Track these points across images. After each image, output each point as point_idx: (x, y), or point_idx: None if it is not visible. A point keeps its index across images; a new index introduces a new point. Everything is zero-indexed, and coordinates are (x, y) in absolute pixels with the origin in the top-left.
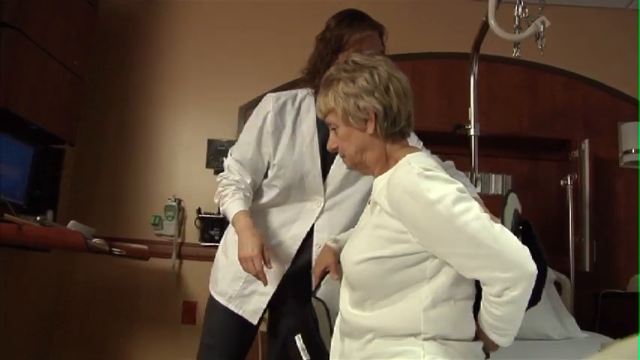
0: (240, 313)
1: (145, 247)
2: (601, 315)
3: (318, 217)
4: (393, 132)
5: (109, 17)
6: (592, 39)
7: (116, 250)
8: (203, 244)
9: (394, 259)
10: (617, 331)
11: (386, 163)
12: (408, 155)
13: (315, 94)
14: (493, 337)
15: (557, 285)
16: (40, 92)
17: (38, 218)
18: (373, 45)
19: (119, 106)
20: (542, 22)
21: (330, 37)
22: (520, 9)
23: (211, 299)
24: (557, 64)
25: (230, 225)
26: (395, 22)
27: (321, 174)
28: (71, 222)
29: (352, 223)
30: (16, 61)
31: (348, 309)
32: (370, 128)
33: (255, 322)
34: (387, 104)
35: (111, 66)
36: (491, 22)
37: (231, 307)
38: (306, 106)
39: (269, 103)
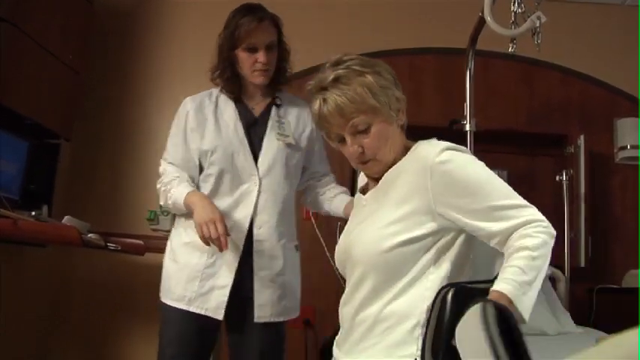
0: (203, 312)
1: (140, 242)
2: (596, 310)
3: (257, 198)
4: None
5: (105, 13)
6: (589, 35)
7: (111, 245)
8: None
9: (420, 241)
10: (612, 326)
11: (401, 155)
12: (420, 141)
13: (223, 89)
14: (516, 293)
15: (552, 280)
16: (36, 87)
17: (33, 213)
18: (265, 35)
19: (115, 101)
20: (539, 18)
21: (227, 34)
22: (516, 4)
23: (166, 309)
24: (553, 60)
25: (173, 232)
26: (392, 18)
27: (250, 153)
28: (66, 217)
29: (286, 205)
30: (12, 56)
31: (356, 306)
32: (402, 119)
33: (220, 317)
34: (404, 96)
35: (107, 61)
36: (488, 17)
37: (193, 308)
38: (223, 100)
39: (187, 105)
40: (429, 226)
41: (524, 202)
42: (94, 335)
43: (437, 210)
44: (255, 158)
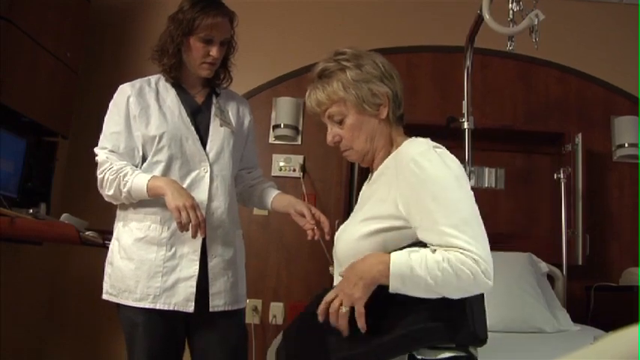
0: (171, 308)
1: None
2: (593, 308)
3: (210, 184)
4: (398, 116)
5: (103, 10)
6: (586, 33)
7: (109, 243)
8: None
9: (386, 233)
10: (610, 324)
11: (390, 148)
12: (411, 138)
13: (165, 72)
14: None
15: (550, 278)
16: (33, 85)
17: (31, 211)
18: (223, 31)
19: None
20: (537, 16)
21: (183, 19)
22: (514, 2)
23: (128, 313)
24: (551, 58)
25: (120, 228)
26: (389, 15)
27: (198, 139)
28: (64, 215)
29: (232, 191)
30: (8, 54)
31: None
32: (383, 113)
33: (191, 309)
34: (394, 90)
35: (104, 58)
36: (486, 15)
37: (160, 305)
38: (163, 86)
39: (126, 90)
40: (399, 225)
41: (477, 232)
42: (91, 333)
43: (399, 205)
44: (203, 144)
